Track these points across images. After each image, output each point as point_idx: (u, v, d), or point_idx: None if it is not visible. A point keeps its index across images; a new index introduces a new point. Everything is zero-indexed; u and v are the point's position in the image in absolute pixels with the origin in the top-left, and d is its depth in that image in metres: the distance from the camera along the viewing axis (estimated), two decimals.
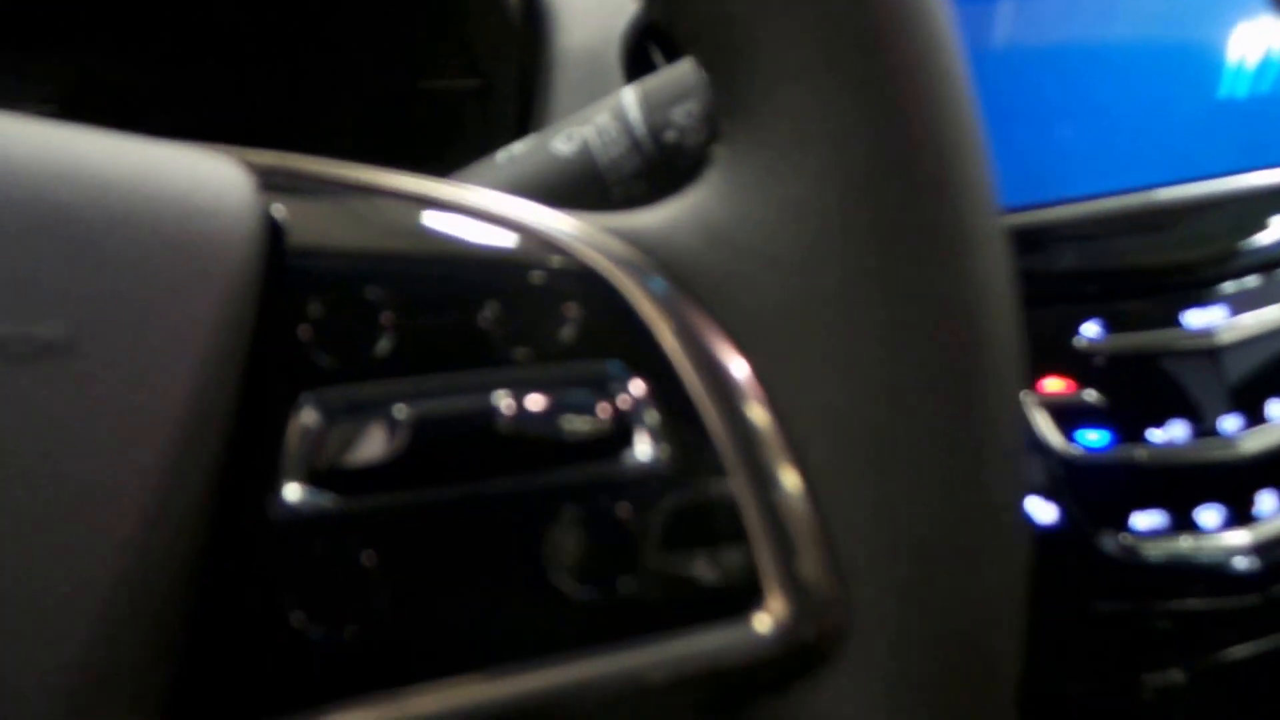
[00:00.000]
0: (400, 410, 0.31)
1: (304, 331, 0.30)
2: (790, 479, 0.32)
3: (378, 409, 0.30)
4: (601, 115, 0.53)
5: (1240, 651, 0.72)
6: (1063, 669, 0.71)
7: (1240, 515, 0.71)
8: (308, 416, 0.30)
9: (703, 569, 0.33)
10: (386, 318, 0.31)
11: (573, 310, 0.33)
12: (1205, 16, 0.78)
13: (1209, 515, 0.70)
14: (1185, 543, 0.70)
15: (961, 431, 0.34)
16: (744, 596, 0.32)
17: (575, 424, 0.33)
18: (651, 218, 0.36)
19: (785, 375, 0.34)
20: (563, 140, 0.54)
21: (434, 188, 0.34)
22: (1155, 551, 0.70)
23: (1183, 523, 0.70)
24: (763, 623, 0.32)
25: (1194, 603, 0.71)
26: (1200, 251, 0.72)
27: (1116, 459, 0.70)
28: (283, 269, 0.30)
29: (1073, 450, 0.70)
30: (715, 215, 0.35)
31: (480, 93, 0.76)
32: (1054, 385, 0.70)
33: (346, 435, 0.30)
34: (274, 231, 0.31)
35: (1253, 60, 0.78)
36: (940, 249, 0.33)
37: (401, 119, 0.76)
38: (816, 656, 0.33)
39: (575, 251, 0.34)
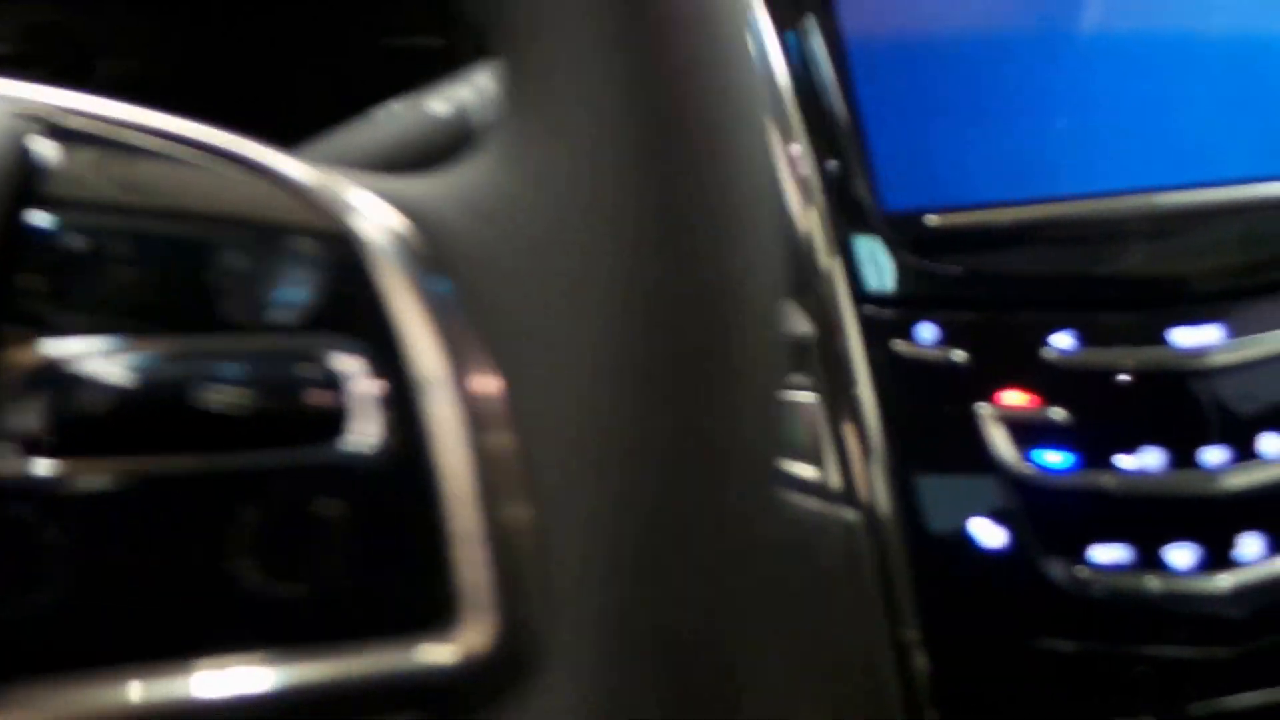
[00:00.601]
0: (98, 374, 0.29)
1: (24, 281, 0.28)
2: (510, 489, 0.29)
3: (78, 371, 0.29)
4: (483, 77, 0.51)
5: (1211, 708, 0.65)
6: (1006, 709, 0.66)
7: (1218, 557, 0.64)
8: (9, 372, 0.28)
9: (400, 577, 0.30)
10: (113, 273, 0.30)
11: (313, 279, 0.31)
12: (1230, 5, 0.70)
13: (1181, 554, 0.64)
14: (1152, 582, 0.64)
15: (693, 442, 0.30)
16: (439, 611, 0.29)
17: (285, 403, 0.30)
18: (422, 185, 0.33)
19: (517, 361, 0.31)
20: (440, 101, 0.51)
21: (214, 141, 0.32)
22: (1115, 588, 0.64)
23: (1150, 560, 0.64)
24: (456, 642, 0.29)
25: (1159, 650, 0.64)
26: (1197, 264, 0.65)
27: (1079, 484, 0.64)
28: (26, 213, 0.29)
29: (1028, 470, 0.64)
30: (476, 187, 0.32)
31: (446, 52, 0.73)
32: (1015, 399, 0.64)
33: (40, 396, 0.28)
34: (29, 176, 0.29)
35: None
36: (691, 238, 0.30)
37: (366, 78, 0.74)
38: (511, 679, 0.30)
39: (332, 216, 0.31)
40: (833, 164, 0.65)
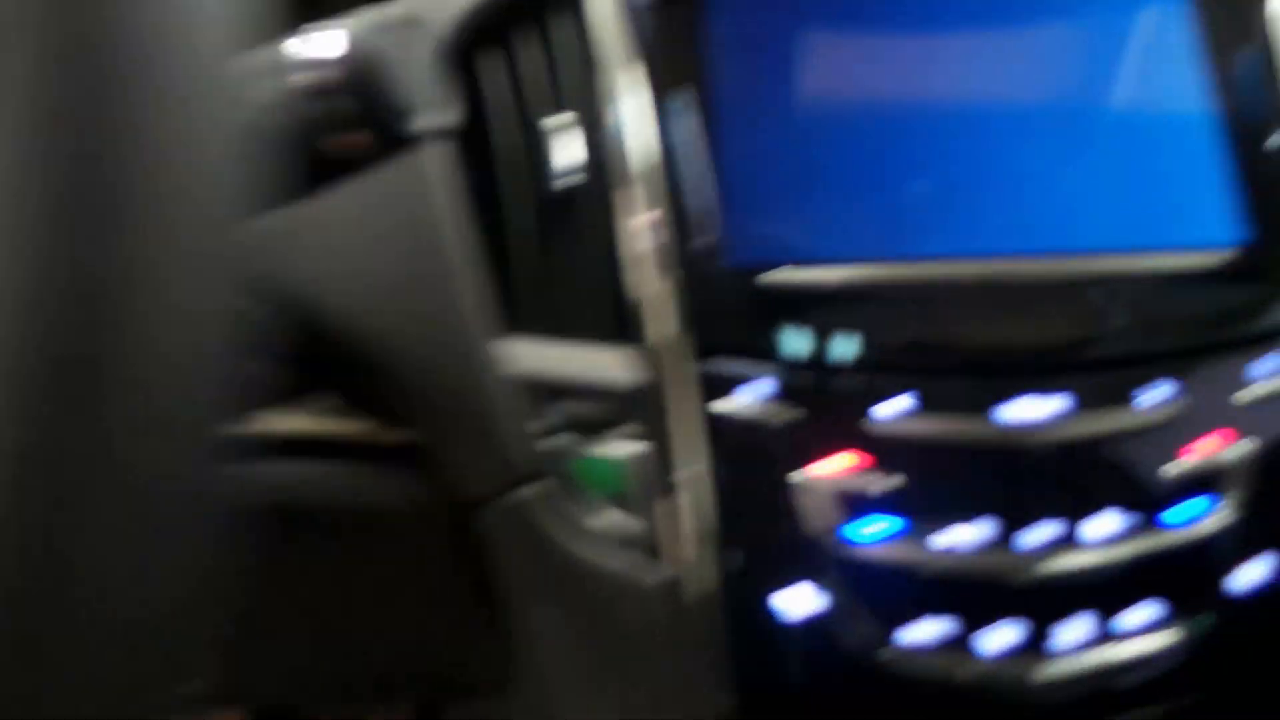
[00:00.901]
0: None
1: None
2: None
3: None
4: None
5: None
6: None
7: (1037, 644, 0.61)
8: None
9: None
10: None
11: None
12: (1107, 73, 0.67)
13: (998, 638, 0.61)
14: (963, 666, 0.61)
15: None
16: None
17: None
18: None
19: None
20: None
21: None
22: (925, 670, 0.61)
23: (965, 643, 0.61)
24: None
25: None
26: (1039, 335, 0.62)
27: (896, 558, 0.61)
28: None
29: (846, 540, 0.61)
30: None
31: None
32: (841, 463, 0.61)
33: None
34: None
35: (1162, 129, 0.67)
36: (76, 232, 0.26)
37: None
38: None
39: None
40: (679, 215, 0.62)
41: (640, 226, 0.62)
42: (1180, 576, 0.63)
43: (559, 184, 0.62)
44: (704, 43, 0.64)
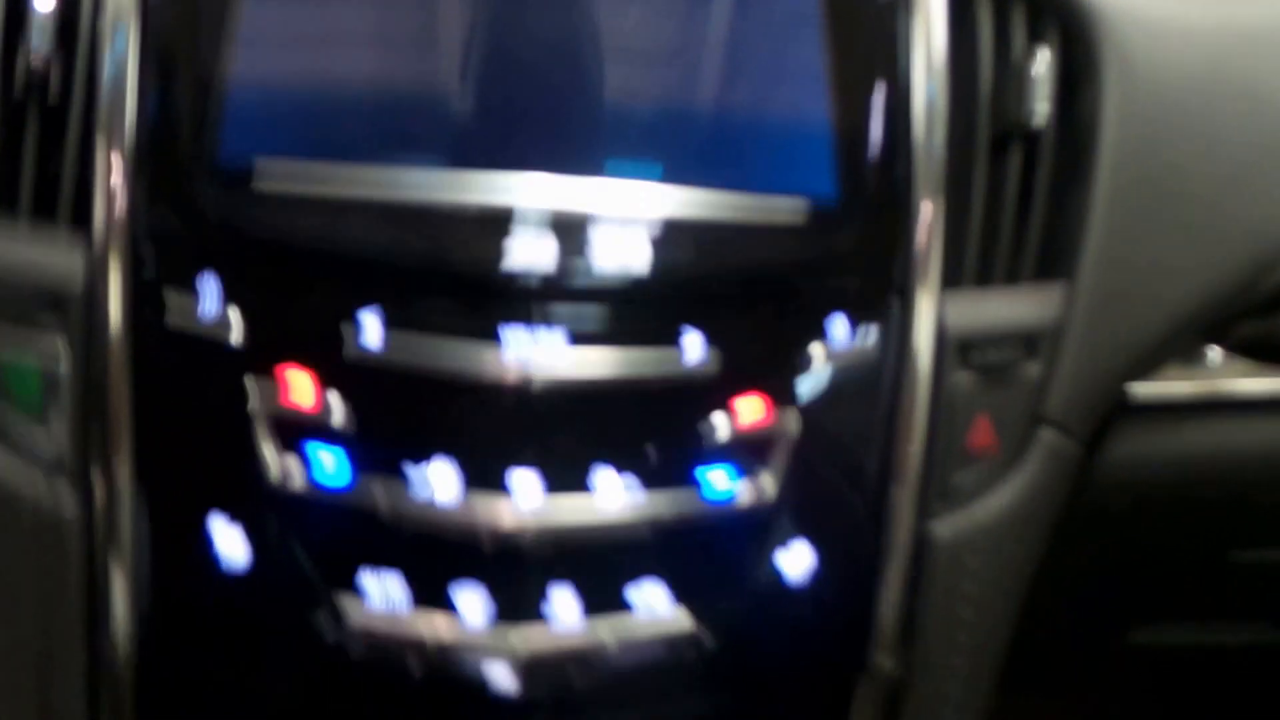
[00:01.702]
0: None
1: None
2: None
3: None
4: None
5: None
6: None
7: (513, 609, 0.52)
8: None
9: None
10: None
11: None
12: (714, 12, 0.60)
13: (469, 601, 0.52)
14: (425, 630, 0.51)
15: None
16: None
17: None
18: None
19: None
20: None
21: None
22: (380, 633, 0.52)
23: (430, 602, 0.52)
24: None
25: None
26: (544, 261, 0.53)
27: (351, 500, 0.51)
28: None
29: (292, 475, 0.51)
30: None
31: None
32: (297, 385, 0.51)
33: None
34: None
35: (765, 75, 0.59)
36: None
37: None
38: None
39: None
40: (164, 102, 0.53)
41: (108, 111, 0.52)
42: (696, 555, 0.55)
43: (36, 61, 0.53)
44: None
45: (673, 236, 0.54)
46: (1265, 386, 0.73)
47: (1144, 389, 0.70)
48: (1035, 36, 0.64)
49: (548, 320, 0.52)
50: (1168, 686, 0.97)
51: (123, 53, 0.53)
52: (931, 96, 0.59)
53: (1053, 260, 0.63)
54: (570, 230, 0.53)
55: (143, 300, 0.52)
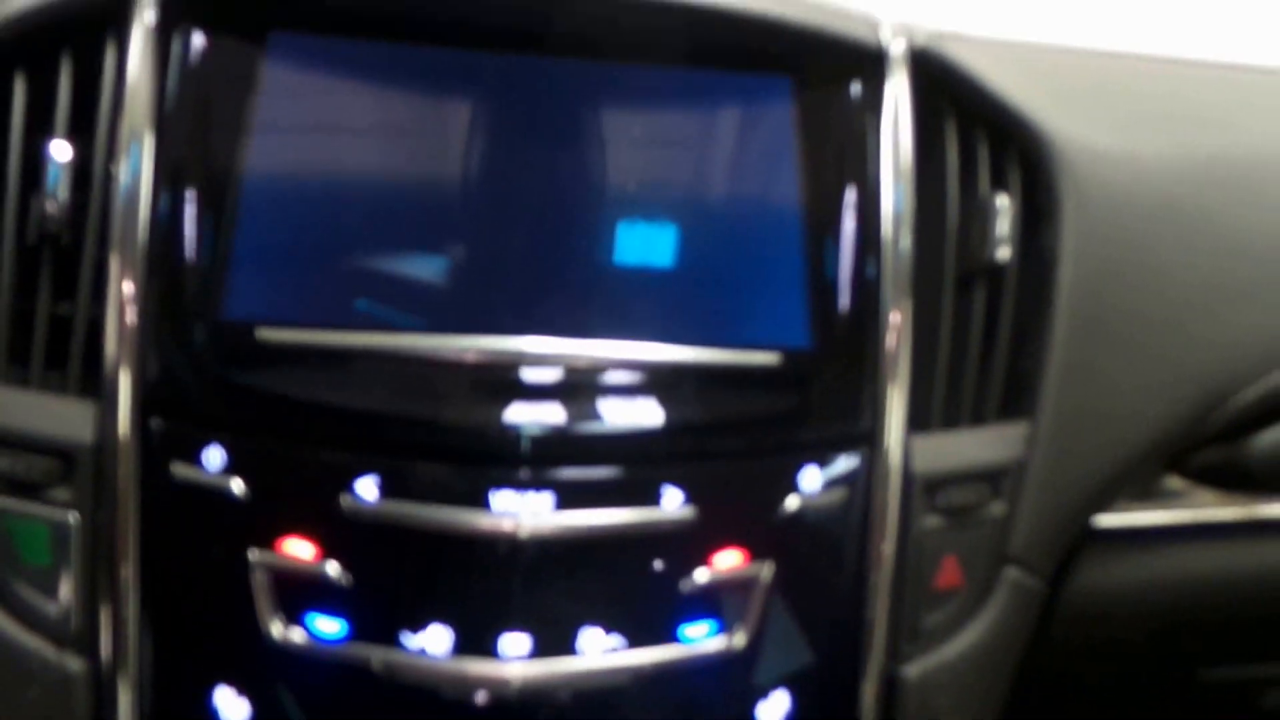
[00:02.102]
0: None
1: None
2: None
3: None
4: None
5: None
6: None
7: None
8: None
9: None
10: None
11: None
12: (690, 166, 0.63)
13: None
14: None
15: None
16: None
17: None
18: None
19: None
20: None
21: None
22: None
23: None
24: None
25: None
26: (532, 423, 0.56)
27: (347, 658, 0.54)
28: None
29: (294, 637, 0.54)
30: None
31: None
32: (297, 549, 0.54)
33: None
34: None
35: (741, 228, 0.63)
36: None
37: None
38: None
39: None
40: (169, 265, 0.56)
41: (123, 274, 0.56)
42: (678, 704, 0.57)
43: (52, 215, 0.56)
44: (233, 105, 0.58)
45: (655, 393, 0.58)
46: (1225, 512, 0.75)
47: (1106, 519, 0.72)
48: (999, 175, 0.67)
49: (536, 483, 0.55)
50: None
51: (134, 201, 0.56)
52: (899, 242, 0.62)
53: (1016, 398, 0.66)
54: (557, 392, 0.56)
55: (150, 459, 0.55)
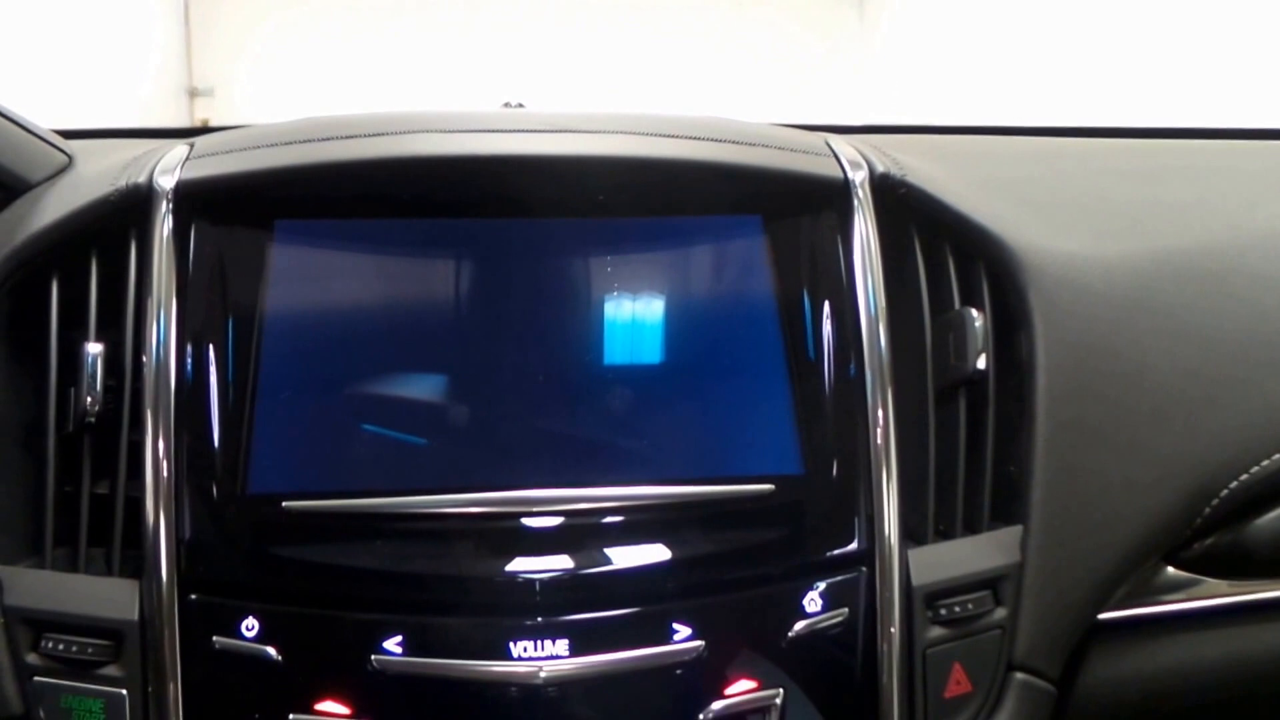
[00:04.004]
0: None
1: None
2: None
3: None
4: None
5: None
6: None
7: None
8: None
9: None
10: None
11: None
12: (669, 302, 0.67)
13: None
14: None
15: None
16: None
17: None
18: None
19: None
20: None
21: None
22: None
23: None
24: None
25: None
26: (543, 575, 0.59)
27: None
28: None
29: None
30: None
31: None
32: (332, 708, 0.57)
33: None
34: None
35: (723, 362, 0.66)
36: None
37: None
38: None
39: None
40: (197, 446, 0.60)
41: (157, 456, 0.60)
42: None
43: (90, 408, 0.61)
44: (247, 289, 0.63)
45: (656, 533, 0.61)
46: (1229, 598, 0.76)
47: (1110, 614, 0.73)
48: (968, 288, 0.70)
49: (552, 630, 0.58)
50: None
51: (162, 396, 0.60)
52: (880, 364, 0.65)
53: (1007, 504, 0.68)
54: (563, 540, 0.60)
55: (192, 633, 0.58)
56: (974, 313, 0.68)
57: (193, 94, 4.26)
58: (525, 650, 0.58)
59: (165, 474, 0.59)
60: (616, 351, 0.65)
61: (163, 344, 0.61)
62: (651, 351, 0.65)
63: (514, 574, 0.59)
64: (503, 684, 0.58)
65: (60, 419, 0.62)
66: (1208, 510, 0.72)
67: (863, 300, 0.66)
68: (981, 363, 0.68)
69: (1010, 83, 3.47)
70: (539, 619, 0.59)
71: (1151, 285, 0.74)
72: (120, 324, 0.63)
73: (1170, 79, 2.69)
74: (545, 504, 0.60)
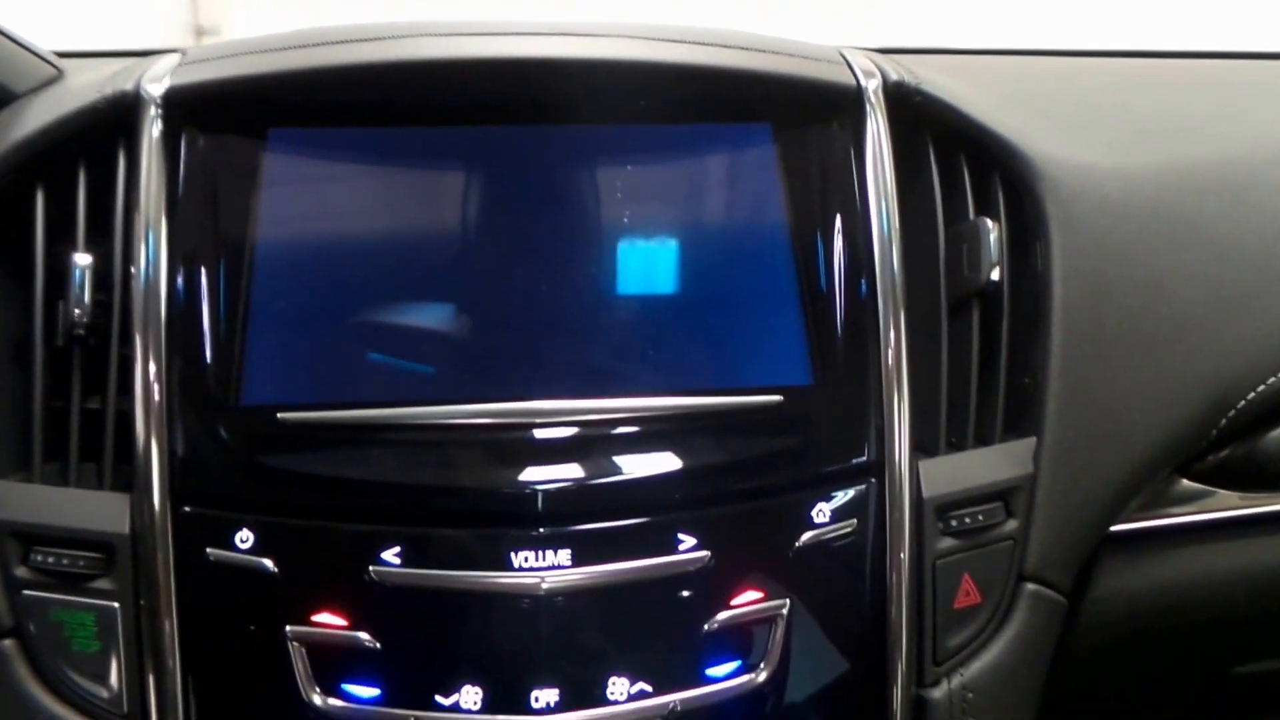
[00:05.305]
0: None
1: None
2: None
3: None
4: None
5: None
6: None
7: None
8: None
9: None
10: None
11: None
12: (678, 215, 0.65)
13: None
14: None
15: None
16: None
17: None
18: None
19: None
20: None
21: None
22: None
23: None
24: None
25: None
26: (546, 483, 0.58)
27: None
28: None
29: (333, 705, 0.56)
30: None
31: None
32: (328, 620, 0.57)
33: None
34: None
35: (733, 271, 0.65)
36: None
37: None
38: None
39: None
40: (189, 358, 0.59)
41: (147, 369, 0.59)
42: None
43: (79, 320, 0.60)
44: (239, 200, 0.61)
45: (663, 443, 0.60)
46: (1240, 510, 0.76)
47: (1122, 526, 0.73)
48: (983, 199, 0.68)
49: (555, 540, 0.57)
50: None
51: (153, 304, 0.59)
52: (892, 272, 0.64)
53: (1020, 417, 0.67)
54: (568, 450, 0.59)
55: (185, 545, 0.57)
56: (989, 223, 0.67)
57: (199, 33, 4.22)
58: (527, 561, 0.57)
59: (156, 386, 0.58)
60: (622, 261, 0.63)
61: (153, 255, 0.59)
62: (658, 261, 0.64)
63: (515, 484, 0.58)
64: (504, 596, 0.57)
65: (49, 333, 0.61)
66: (1224, 422, 0.71)
67: (875, 211, 0.64)
68: (996, 274, 0.66)
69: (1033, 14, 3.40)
70: (541, 529, 0.57)
71: (1171, 196, 0.72)
72: (109, 236, 0.61)
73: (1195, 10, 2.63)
74: (548, 414, 0.59)
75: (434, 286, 0.62)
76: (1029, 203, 0.68)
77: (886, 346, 0.63)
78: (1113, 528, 0.72)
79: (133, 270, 0.59)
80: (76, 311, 0.60)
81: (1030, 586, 0.66)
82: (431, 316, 0.62)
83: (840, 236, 0.64)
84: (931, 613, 0.63)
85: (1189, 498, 0.75)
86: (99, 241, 0.62)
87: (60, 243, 0.62)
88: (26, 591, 0.57)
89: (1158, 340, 0.70)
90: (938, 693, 0.63)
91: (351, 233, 0.63)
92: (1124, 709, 0.85)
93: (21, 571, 0.58)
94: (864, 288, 0.63)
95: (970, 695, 0.63)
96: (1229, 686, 0.84)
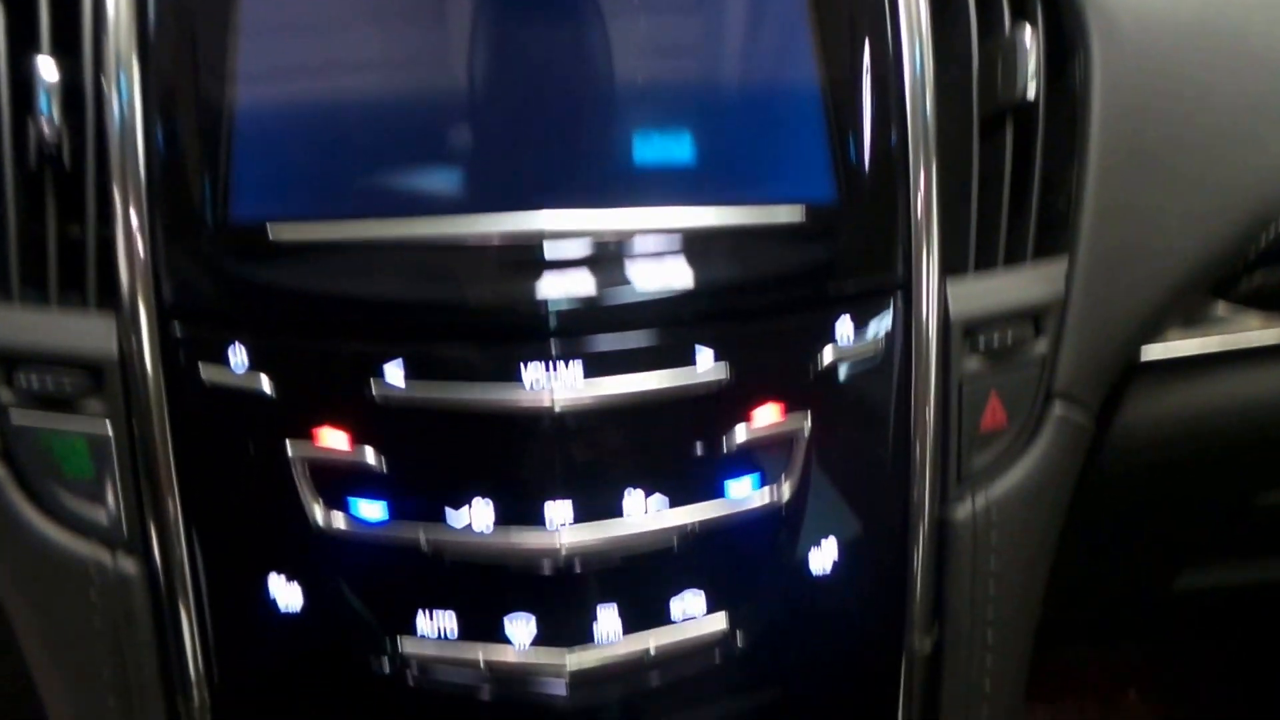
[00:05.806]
0: None
1: None
2: None
3: None
4: None
5: None
6: None
7: (561, 631, 0.55)
8: None
9: None
10: None
11: None
12: (700, 29, 0.61)
13: (519, 627, 0.55)
14: (477, 661, 0.54)
15: None
16: None
17: None
18: None
19: None
20: None
21: None
22: (433, 667, 0.54)
23: (481, 634, 0.55)
24: None
25: None
26: (552, 296, 0.55)
27: (394, 540, 0.54)
28: None
29: (338, 522, 0.54)
30: None
31: None
32: (331, 439, 0.54)
33: None
34: None
35: (756, 86, 0.60)
36: None
37: None
38: None
39: None
40: (172, 171, 0.55)
41: (126, 187, 0.55)
42: (729, 562, 0.57)
43: (48, 138, 0.56)
44: (219, 13, 0.56)
45: (681, 256, 0.56)
46: (1273, 335, 0.74)
47: (1153, 349, 0.71)
48: (1020, 10, 0.64)
49: (567, 354, 0.54)
50: (1213, 630, 0.98)
51: (128, 116, 0.54)
52: (920, 85, 0.60)
53: (1052, 236, 0.64)
54: (581, 263, 0.55)
55: (176, 364, 0.54)
56: (1028, 30, 0.63)
57: None
58: (537, 375, 0.54)
59: (136, 202, 0.54)
60: (639, 68, 0.59)
61: (124, 58, 0.55)
62: (676, 65, 0.59)
63: (525, 295, 0.54)
64: (512, 413, 0.54)
65: (19, 153, 0.57)
66: (1263, 242, 0.69)
67: (905, 18, 0.60)
68: (1033, 88, 0.63)
69: None
70: (552, 342, 0.54)
71: (1218, 8, 0.69)
72: (78, 49, 0.57)
73: None
74: (561, 225, 0.55)
75: (434, 91, 0.57)
76: (1069, 13, 0.64)
77: (916, 161, 0.59)
78: (1144, 354, 0.69)
79: (102, 76, 0.55)
80: (46, 129, 0.55)
81: (1058, 406, 0.64)
82: (432, 123, 0.57)
83: (868, 44, 0.60)
84: (958, 432, 0.61)
85: (1220, 321, 0.73)
86: (67, 57, 0.57)
87: (24, 56, 0.57)
88: (13, 415, 0.55)
89: (1199, 156, 0.67)
90: (961, 512, 0.61)
91: (343, 34, 0.58)
92: (1146, 539, 0.84)
93: (5, 395, 0.55)
94: (891, 99, 0.59)
95: (994, 515, 0.62)
96: (1251, 515, 0.83)
